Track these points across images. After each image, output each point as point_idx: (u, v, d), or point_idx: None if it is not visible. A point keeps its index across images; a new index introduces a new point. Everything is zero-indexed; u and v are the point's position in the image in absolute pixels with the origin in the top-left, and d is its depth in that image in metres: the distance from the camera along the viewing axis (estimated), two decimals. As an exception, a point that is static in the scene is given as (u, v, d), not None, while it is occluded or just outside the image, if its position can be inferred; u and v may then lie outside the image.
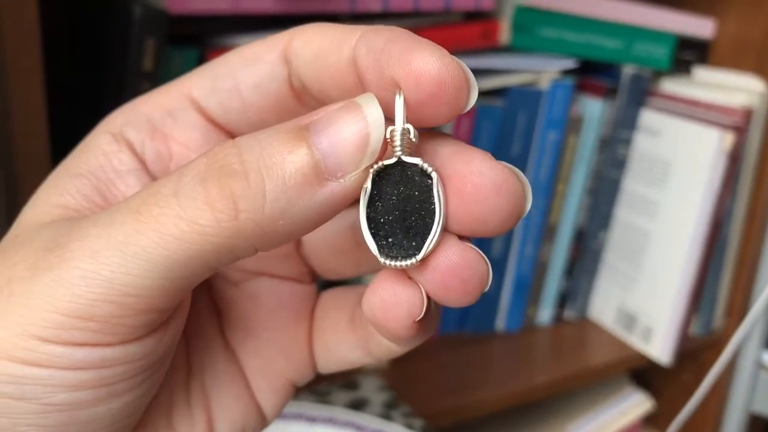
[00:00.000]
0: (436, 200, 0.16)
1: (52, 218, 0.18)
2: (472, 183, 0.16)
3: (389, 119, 0.17)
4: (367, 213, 0.17)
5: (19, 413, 0.16)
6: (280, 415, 0.23)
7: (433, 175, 0.16)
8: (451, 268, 0.17)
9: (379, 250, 0.17)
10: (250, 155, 0.16)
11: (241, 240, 0.16)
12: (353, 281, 0.59)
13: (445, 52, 0.16)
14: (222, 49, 0.50)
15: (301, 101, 0.19)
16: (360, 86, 0.17)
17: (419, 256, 0.16)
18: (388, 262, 0.17)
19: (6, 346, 0.16)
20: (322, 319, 0.22)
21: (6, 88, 0.38)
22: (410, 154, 0.16)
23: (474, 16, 0.63)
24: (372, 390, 0.52)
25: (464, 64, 0.16)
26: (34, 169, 0.40)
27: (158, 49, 0.44)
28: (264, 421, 0.22)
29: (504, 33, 0.62)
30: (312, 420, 0.40)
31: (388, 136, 0.16)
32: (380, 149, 0.16)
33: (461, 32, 0.60)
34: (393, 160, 0.16)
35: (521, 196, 0.17)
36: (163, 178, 0.17)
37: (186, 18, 0.48)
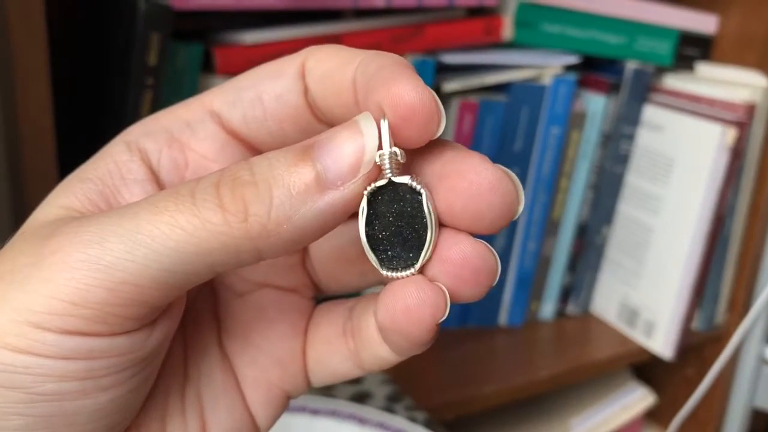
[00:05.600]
0: (427, 214, 0.18)
1: (57, 217, 0.19)
2: (468, 180, 0.18)
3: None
4: (366, 231, 0.18)
5: (7, 402, 0.17)
6: (272, 427, 0.23)
7: (422, 191, 0.18)
8: (464, 259, 0.18)
9: (380, 264, 0.18)
10: (260, 169, 0.17)
11: (247, 241, 0.17)
12: (351, 296, 0.59)
13: (422, 82, 0.17)
14: (226, 45, 0.50)
15: (315, 115, 0.21)
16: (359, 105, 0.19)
17: (417, 266, 0.18)
18: (389, 273, 0.18)
19: None
20: (314, 332, 0.23)
21: (13, 83, 0.39)
22: (399, 174, 0.18)
23: (477, 11, 0.63)
24: (375, 383, 0.52)
25: (435, 95, 0.18)
26: (41, 165, 0.40)
27: (163, 44, 0.44)
28: None
29: (507, 29, 0.63)
30: (315, 412, 0.40)
31: (377, 160, 0.17)
32: (374, 171, 0.17)
33: (464, 28, 0.60)
34: (384, 181, 0.18)
35: (514, 196, 0.18)
36: (180, 183, 0.18)
37: (190, 13, 0.49)
